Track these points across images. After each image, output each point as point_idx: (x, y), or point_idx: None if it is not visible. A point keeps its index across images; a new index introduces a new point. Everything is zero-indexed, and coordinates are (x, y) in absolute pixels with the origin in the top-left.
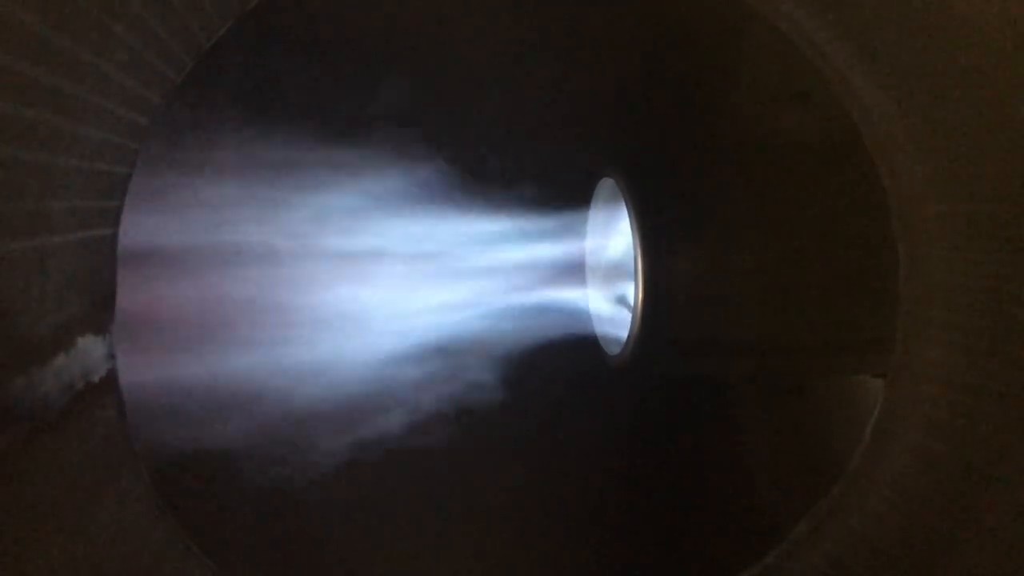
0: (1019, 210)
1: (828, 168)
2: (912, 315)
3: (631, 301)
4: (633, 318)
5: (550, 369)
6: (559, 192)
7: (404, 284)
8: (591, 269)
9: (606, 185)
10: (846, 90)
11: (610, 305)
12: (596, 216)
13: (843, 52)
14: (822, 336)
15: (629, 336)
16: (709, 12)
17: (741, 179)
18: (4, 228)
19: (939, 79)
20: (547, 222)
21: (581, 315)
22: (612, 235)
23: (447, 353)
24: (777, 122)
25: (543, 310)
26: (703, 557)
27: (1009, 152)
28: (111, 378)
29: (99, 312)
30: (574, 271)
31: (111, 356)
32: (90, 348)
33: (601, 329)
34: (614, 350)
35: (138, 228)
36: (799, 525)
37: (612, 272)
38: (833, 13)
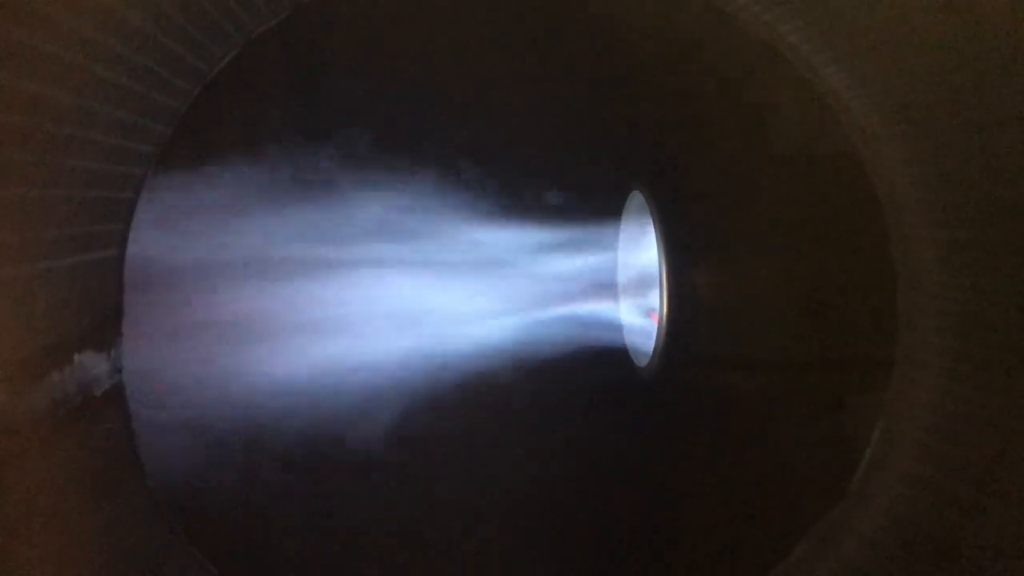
0: (1004, 237)
1: (837, 192)
2: (909, 339)
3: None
4: (659, 330)
5: (580, 379)
6: (591, 205)
7: (437, 294)
8: (622, 281)
9: (636, 198)
10: (846, 115)
11: (639, 317)
12: (627, 229)
13: (841, 79)
14: (831, 355)
15: (655, 348)
16: (732, 44)
17: (761, 198)
18: None
19: (929, 106)
20: (579, 234)
21: (611, 326)
22: (642, 248)
23: (478, 361)
24: (796, 145)
25: (574, 321)
26: (707, 569)
27: (993, 179)
28: (116, 392)
29: (101, 329)
30: (605, 283)
31: (117, 371)
32: (90, 364)
33: (630, 341)
34: (642, 362)
35: (160, 243)
36: (799, 545)
37: (642, 284)
38: (829, 42)
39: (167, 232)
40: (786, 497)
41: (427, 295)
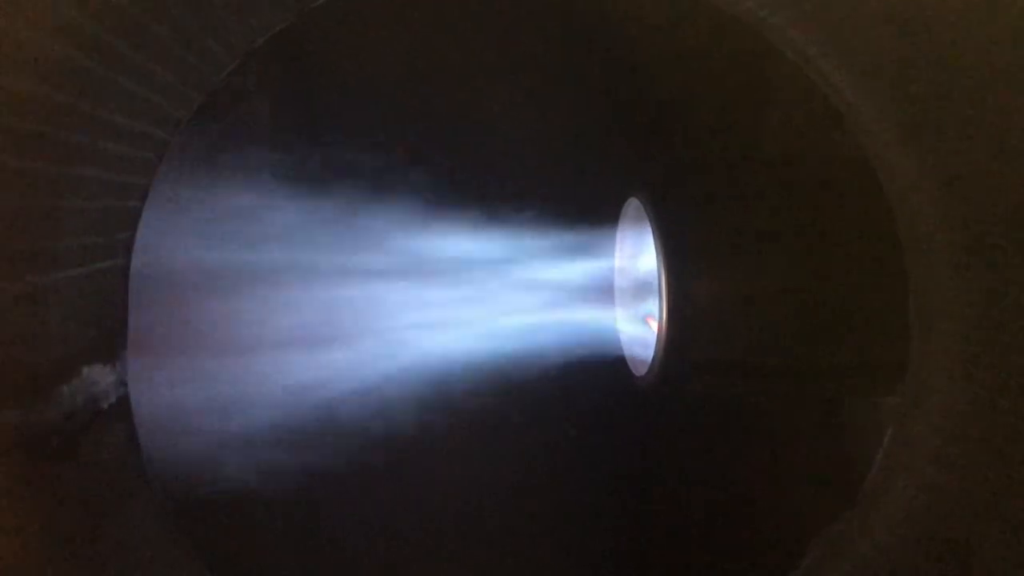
0: (1018, 239)
1: (843, 195)
2: (922, 343)
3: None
4: (658, 339)
5: (576, 388)
6: (587, 211)
7: (434, 301)
8: (619, 289)
9: (633, 205)
10: (854, 118)
11: (637, 325)
12: (624, 236)
13: (849, 81)
14: (838, 360)
15: (654, 357)
16: (733, 45)
17: (763, 203)
18: (3, 269)
19: (940, 107)
20: (575, 241)
21: (608, 335)
22: (640, 254)
23: (474, 369)
24: (798, 148)
25: (570, 329)
26: None
27: (1006, 180)
28: (122, 405)
29: (108, 341)
30: (602, 290)
31: (122, 383)
32: (97, 377)
33: (628, 349)
34: (641, 370)
35: (163, 253)
36: (810, 551)
37: (640, 291)
38: (836, 43)
39: (170, 242)
40: (796, 503)
41: (418, 304)
